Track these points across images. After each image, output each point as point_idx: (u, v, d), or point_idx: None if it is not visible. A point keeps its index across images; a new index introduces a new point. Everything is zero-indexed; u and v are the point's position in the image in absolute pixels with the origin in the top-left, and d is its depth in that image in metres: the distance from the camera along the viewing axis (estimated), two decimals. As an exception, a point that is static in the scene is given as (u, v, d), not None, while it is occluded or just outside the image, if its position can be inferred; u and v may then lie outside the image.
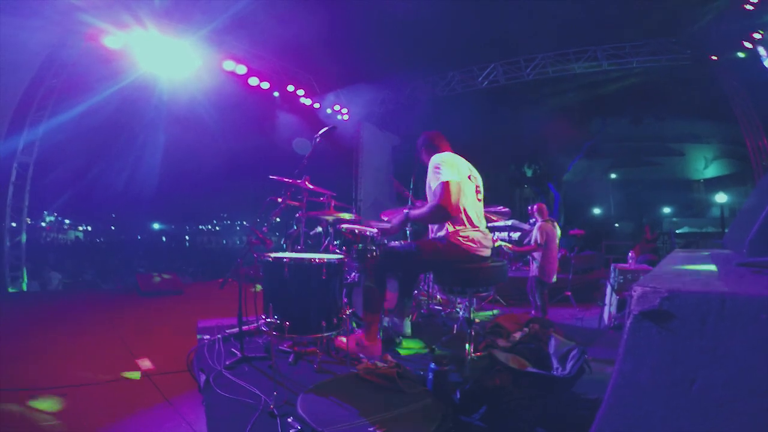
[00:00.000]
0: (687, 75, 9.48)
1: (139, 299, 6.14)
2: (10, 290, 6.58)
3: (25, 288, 6.79)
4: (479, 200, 2.66)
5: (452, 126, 8.87)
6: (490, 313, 4.79)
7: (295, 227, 3.34)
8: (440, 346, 3.06)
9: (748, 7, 6.93)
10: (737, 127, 8.56)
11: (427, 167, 2.71)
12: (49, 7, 5.69)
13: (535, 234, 4.71)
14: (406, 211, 2.65)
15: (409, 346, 3.03)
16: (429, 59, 9.16)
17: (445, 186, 2.37)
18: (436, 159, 2.52)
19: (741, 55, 7.62)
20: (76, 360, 3.17)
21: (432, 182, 2.47)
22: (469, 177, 2.58)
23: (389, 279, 2.81)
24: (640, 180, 19.87)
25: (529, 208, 5.05)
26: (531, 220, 4.97)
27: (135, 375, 2.93)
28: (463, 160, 2.63)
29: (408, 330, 2.97)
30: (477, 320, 3.58)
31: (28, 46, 6.01)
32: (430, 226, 2.73)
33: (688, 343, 0.84)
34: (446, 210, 2.37)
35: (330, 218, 3.33)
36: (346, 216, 3.32)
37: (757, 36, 7.21)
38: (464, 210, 2.49)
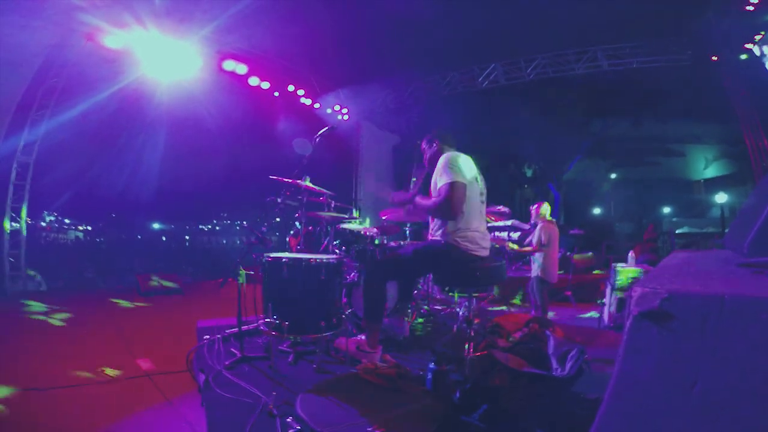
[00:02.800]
0: (688, 75, 9.47)
1: (139, 299, 6.14)
2: (10, 290, 6.57)
3: (25, 288, 6.78)
4: (482, 202, 2.66)
5: (452, 126, 8.89)
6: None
7: (300, 227, 3.35)
8: (440, 346, 3.06)
9: (749, 7, 6.92)
10: (737, 127, 8.53)
11: (430, 166, 2.70)
12: (49, 7, 5.68)
13: (538, 234, 4.69)
14: (413, 195, 2.64)
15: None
16: (429, 59, 9.15)
17: (453, 186, 2.36)
18: (445, 158, 2.49)
19: (743, 56, 7.60)
20: (76, 360, 3.17)
21: (439, 180, 2.45)
22: (475, 179, 2.57)
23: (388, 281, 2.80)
24: (640, 180, 19.84)
25: (530, 208, 5.03)
26: (532, 221, 4.95)
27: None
28: (471, 161, 2.61)
29: (407, 331, 2.97)
30: (477, 320, 3.58)
31: (29, 46, 6.00)
32: (429, 226, 2.73)
33: (689, 344, 0.83)
34: (449, 210, 2.36)
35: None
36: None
37: (757, 36, 7.20)
38: (465, 211, 2.49)
